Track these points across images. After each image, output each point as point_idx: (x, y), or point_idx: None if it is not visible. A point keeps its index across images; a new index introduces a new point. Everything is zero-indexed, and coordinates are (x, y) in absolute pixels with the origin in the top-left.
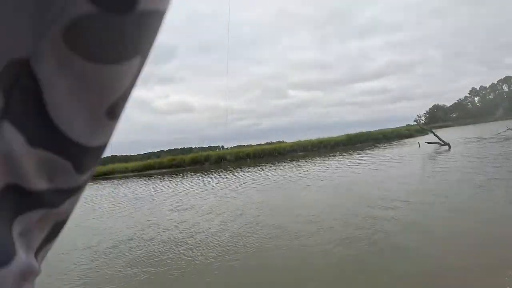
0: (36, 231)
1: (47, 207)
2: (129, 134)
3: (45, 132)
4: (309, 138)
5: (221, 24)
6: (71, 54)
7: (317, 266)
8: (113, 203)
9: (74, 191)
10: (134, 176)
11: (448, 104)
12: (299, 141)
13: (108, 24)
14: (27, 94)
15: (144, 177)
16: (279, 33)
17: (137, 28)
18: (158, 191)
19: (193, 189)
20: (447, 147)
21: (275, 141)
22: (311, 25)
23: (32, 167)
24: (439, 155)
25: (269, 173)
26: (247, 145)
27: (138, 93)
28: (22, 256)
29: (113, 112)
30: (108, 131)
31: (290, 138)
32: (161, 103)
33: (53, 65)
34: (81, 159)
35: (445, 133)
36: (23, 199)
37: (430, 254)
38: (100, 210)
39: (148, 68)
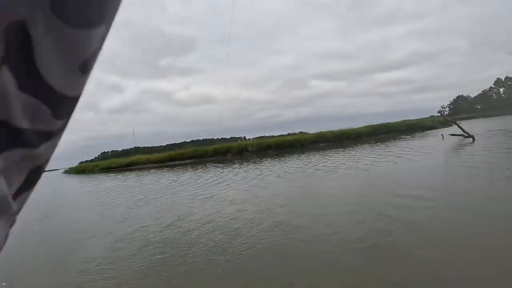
0: (16, 172)
1: (28, 146)
2: (151, 126)
3: (32, 80)
4: (331, 129)
5: (240, 15)
6: (56, 20)
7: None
8: (136, 192)
9: (51, 136)
10: (157, 167)
11: (472, 95)
12: (322, 132)
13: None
14: (22, 47)
15: (167, 168)
16: (299, 22)
17: (101, 3)
18: (182, 182)
19: (218, 180)
20: (471, 139)
21: (297, 132)
22: (331, 14)
23: (19, 108)
24: (463, 148)
25: (291, 164)
26: (269, 136)
27: (159, 84)
28: (2, 187)
29: (85, 68)
30: (81, 84)
31: (312, 129)
32: (183, 95)
33: (42, 27)
34: (58, 105)
35: (469, 125)
36: (8, 135)
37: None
38: (123, 198)
39: (169, 60)
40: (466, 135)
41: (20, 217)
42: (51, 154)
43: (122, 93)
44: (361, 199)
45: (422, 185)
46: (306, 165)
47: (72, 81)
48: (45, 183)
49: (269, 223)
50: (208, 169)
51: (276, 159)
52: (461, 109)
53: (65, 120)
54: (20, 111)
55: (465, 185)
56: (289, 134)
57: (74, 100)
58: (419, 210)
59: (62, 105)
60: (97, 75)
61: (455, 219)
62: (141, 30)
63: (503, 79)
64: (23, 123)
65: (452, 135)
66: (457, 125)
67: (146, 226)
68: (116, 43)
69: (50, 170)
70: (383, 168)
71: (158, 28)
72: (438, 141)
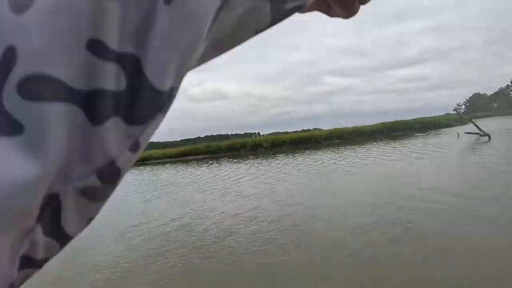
0: None
1: (35, 268)
2: (165, 121)
3: (55, 231)
4: (345, 126)
5: None
6: (81, 197)
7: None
8: (152, 186)
9: (51, 258)
10: (171, 162)
11: (489, 93)
12: (335, 129)
13: (104, 188)
14: (53, 211)
15: (182, 163)
16: (313, 18)
17: (115, 185)
18: (197, 176)
19: (232, 175)
20: (487, 138)
21: (311, 128)
22: None
23: (42, 247)
24: (479, 146)
25: (304, 161)
26: (283, 132)
27: None
28: None
29: (90, 221)
30: (83, 230)
31: (326, 126)
32: (196, 91)
33: (71, 201)
34: (65, 243)
35: (485, 123)
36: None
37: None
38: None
39: None
40: (482, 133)
41: None
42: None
43: None
44: (373, 199)
45: (436, 185)
46: (318, 162)
47: (80, 229)
48: None
49: (281, 221)
50: (222, 164)
51: (290, 156)
52: (477, 107)
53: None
54: (42, 248)
55: (478, 185)
56: (303, 131)
57: (74, 238)
58: (432, 212)
59: (68, 242)
60: None
61: (466, 220)
62: None
63: None
64: (40, 255)
65: (468, 133)
66: (473, 123)
67: (159, 218)
68: None
69: None
70: (396, 166)
71: None
72: (454, 140)
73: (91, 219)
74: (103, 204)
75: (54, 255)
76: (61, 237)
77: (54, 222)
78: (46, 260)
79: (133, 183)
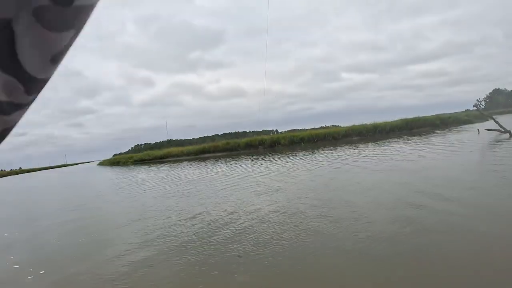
0: None
1: (2, 114)
2: (183, 119)
3: (12, 65)
4: (364, 123)
5: (270, 7)
6: (35, 22)
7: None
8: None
9: (21, 106)
10: (190, 160)
11: (509, 89)
12: (354, 125)
13: (57, 10)
14: (6, 40)
15: (200, 161)
16: (329, 13)
17: (73, 13)
18: (216, 174)
19: (252, 172)
20: (507, 135)
21: (329, 125)
22: (361, 3)
23: (0, 84)
24: (500, 144)
25: (322, 158)
26: (301, 129)
27: (188, 78)
28: None
29: (55, 60)
30: (50, 71)
31: (344, 122)
32: (213, 88)
33: (24, 27)
34: (30, 85)
35: (506, 120)
36: None
37: None
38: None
39: (197, 53)
40: (503, 130)
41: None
42: (19, 120)
43: (153, 87)
44: (391, 198)
45: (455, 185)
46: (337, 159)
47: (44, 68)
48: (86, 173)
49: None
50: (241, 162)
51: (309, 153)
52: (498, 103)
53: (34, 96)
54: (1, 87)
55: (496, 184)
56: (321, 128)
57: (43, 82)
58: (451, 215)
59: (34, 85)
60: (128, 70)
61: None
62: (168, 23)
63: None
64: (2, 96)
65: (488, 130)
66: (494, 119)
67: (197, 215)
68: (144, 38)
69: (86, 162)
70: (415, 164)
71: (185, 21)
72: (474, 136)
73: (54, 57)
74: (62, 35)
75: (20, 100)
76: (21, 76)
77: (9, 54)
78: (12, 104)
79: (152, 180)
